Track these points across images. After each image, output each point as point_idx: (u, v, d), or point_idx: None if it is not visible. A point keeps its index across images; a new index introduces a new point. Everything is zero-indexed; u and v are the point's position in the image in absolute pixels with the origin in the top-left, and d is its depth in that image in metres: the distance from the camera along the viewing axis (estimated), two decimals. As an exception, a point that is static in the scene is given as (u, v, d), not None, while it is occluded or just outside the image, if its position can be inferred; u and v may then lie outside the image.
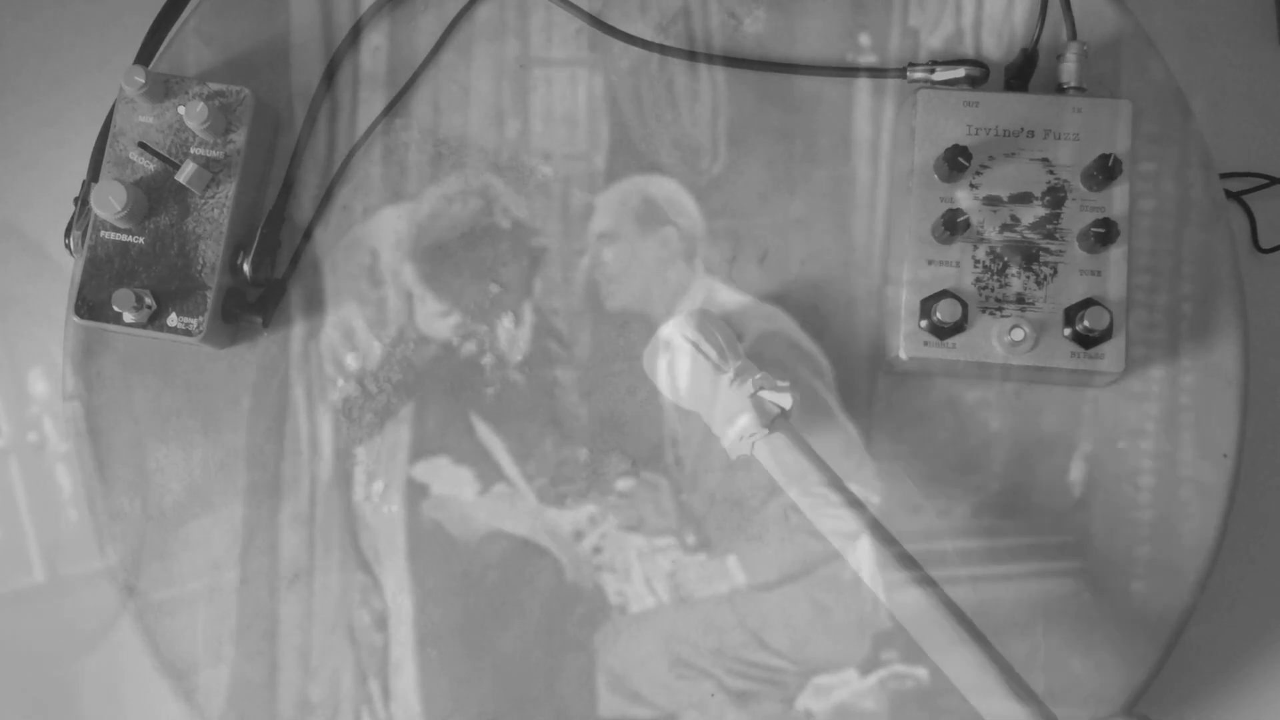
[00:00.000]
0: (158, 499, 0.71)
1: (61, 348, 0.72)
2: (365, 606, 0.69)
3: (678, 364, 0.65)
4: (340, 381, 0.71)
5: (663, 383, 0.67)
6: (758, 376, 0.64)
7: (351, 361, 0.71)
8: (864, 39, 0.73)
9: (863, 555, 0.61)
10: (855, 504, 0.62)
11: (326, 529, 0.70)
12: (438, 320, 0.71)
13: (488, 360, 0.71)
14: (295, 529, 0.70)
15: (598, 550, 0.69)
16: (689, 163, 0.72)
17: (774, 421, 0.63)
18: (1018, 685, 0.57)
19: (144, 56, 0.73)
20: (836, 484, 0.62)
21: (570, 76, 0.74)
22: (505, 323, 0.71)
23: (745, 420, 0.63)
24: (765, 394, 0.63)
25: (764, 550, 0.68)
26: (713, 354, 0.64)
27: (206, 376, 0.71)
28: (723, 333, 0.66)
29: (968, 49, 0.72)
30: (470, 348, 0.71)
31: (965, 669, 0.58)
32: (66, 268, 0.71)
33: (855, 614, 0.68)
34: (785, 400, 0.63)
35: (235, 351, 0.71)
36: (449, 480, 0.70)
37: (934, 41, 0.73)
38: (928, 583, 0.60)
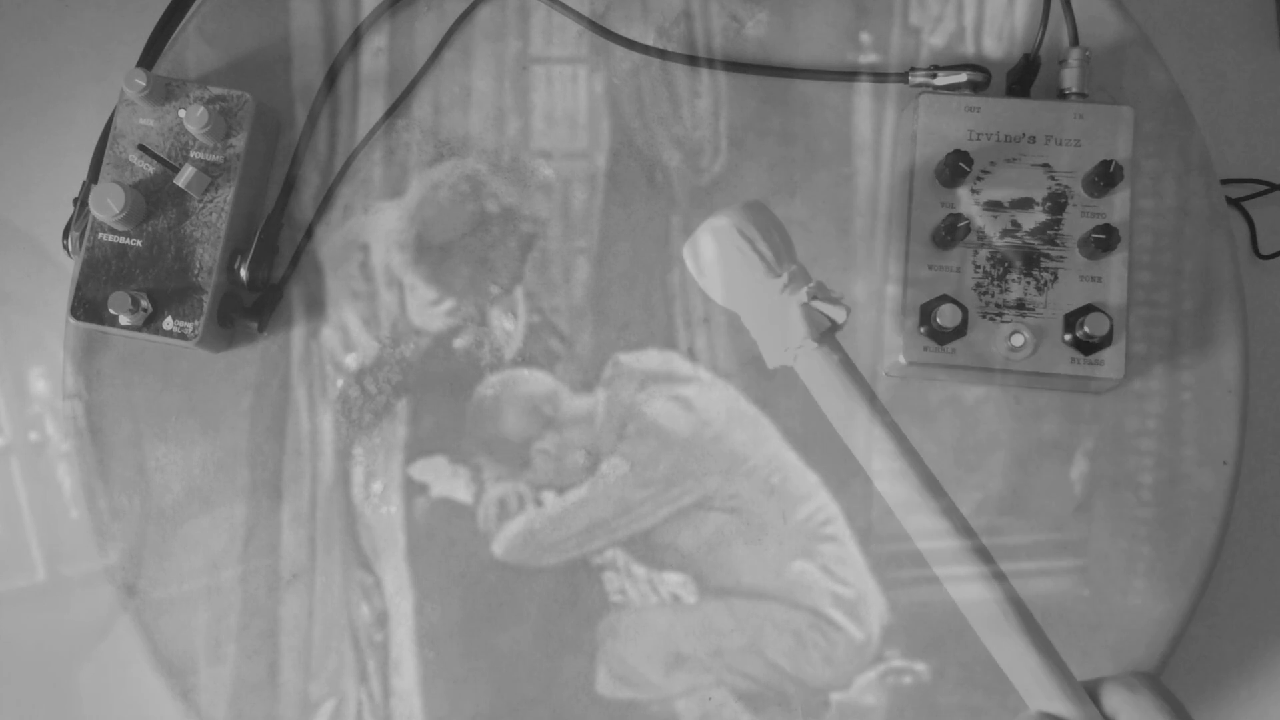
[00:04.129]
0: (158, 497, 0.71)
1: (62, 346, 0.72)
2: (365, 606, 0.69)
3: (727, 259, 0.59)
4: (340, 381, 0.71)
5: (705, 278, 0.61)
6: (812, 285, 0.58)
7: (351, 361, 0.71)
8: (866, 43, 0.73)
9: (892, 484, 0.56)
10: (896, 433, 0.57)
11: (326, 528, 0.70)
12: (430, 309, 0.71)
13: (486, 360, 0.71)
14: (295, 528, 0.70)
15: (599, 551, 0.69)
16: (690, 163, 0.72)
17: (823, 335, 0.58)
18: (1072, 688, 0.52)
19: (147, 59, 0.73)
20: (879, 409, 0.57)
21: (571, 77, 0.74)
22: (505, 323, 0.71)
23: (794, 328, 0.57)
24: (819, 304, 0.58)
25: (763, 553, 0.69)
26: (768, 253, 0.58)
27: (207, 375, 0.71)
28: (780, 232, 0.60)
29: (968, 51, 0.72)
30: (467, 343, 0.71)
31: (1015, 662, 0.53)
32: (67, 267, 0.71)
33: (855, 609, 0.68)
34: (840, 314, 0.58)
35: (236, 351, 0.72)
36: (447, 480, 0.70)
37: (935, 41, 0.73)
38: (967, 533, 0.55)
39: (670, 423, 0.70)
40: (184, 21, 0.74)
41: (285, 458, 0.71)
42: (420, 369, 0.71)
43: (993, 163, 0.67)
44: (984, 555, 0.54)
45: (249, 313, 0.70)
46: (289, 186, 0.72)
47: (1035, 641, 0.53)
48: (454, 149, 0.73)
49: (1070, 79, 0.68)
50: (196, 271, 0.68)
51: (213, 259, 0.68)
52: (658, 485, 0.69)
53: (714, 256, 0.59)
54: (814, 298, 0.58)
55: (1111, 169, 0.64)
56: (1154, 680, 0.52)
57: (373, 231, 0.72)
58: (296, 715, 0.68)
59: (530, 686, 0.68)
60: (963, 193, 0.67)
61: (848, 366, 0.58)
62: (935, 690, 0.67)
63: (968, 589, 0.54)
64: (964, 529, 0.55)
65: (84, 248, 0.68)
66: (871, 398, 0.57)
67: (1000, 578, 0.54)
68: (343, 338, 0.71)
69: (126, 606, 0.70)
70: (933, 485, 0.56)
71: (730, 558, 0.69)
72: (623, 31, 0.73)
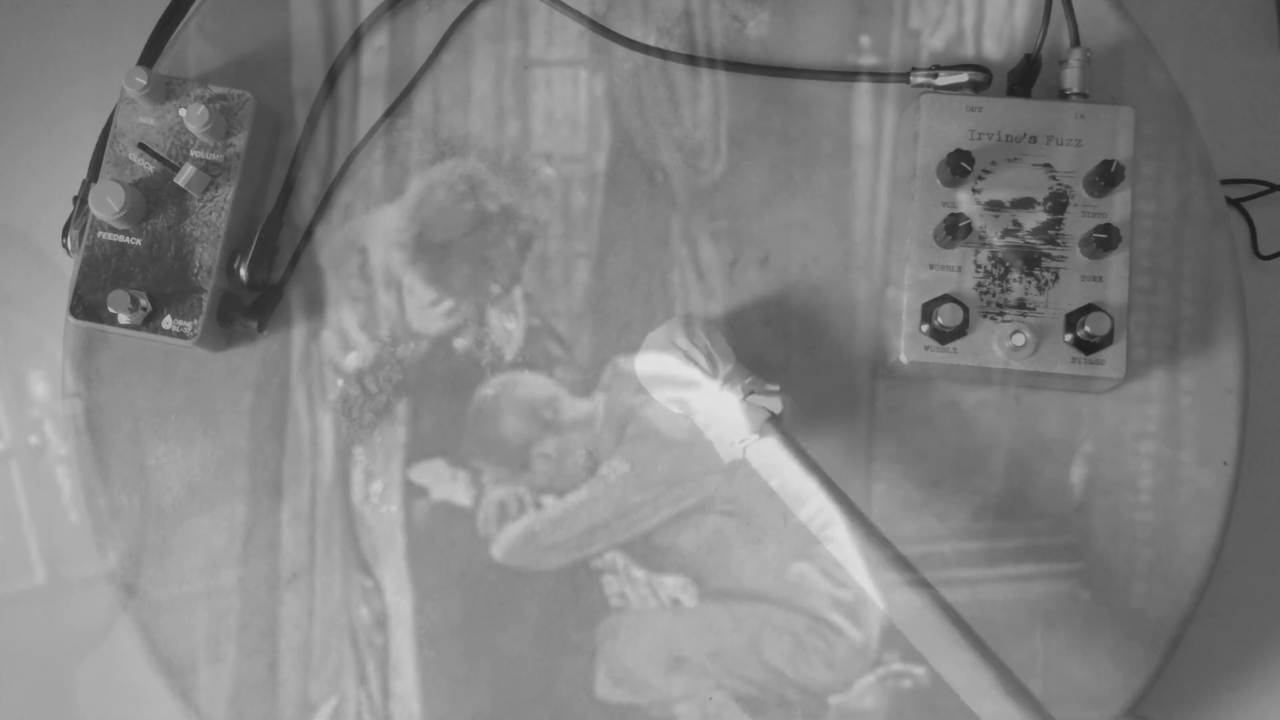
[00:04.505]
0: (157, 497, 0.71)
1: (61, 346, 0.72)
2: (365, 606, 0.69)
3: (668, 370, 0.65)
4: (340, 381, 0.71)
5: (654, 389, 0.67)
6: (747, 381, 0.64)
7: (351, 361, 0.71)
8: (867, 43, 0.73)
9: (853, 557, 0.61)
10: (847, 506, 0.62)
11: (326, 528, 0.70)
12: (429, 310, 0.71)
13: (486, 361, 0.71)
14: (295, 528, 0.70)
15: (599, 554, 0.69)
16: (690, 164, 0.72)
17: (765, 425, 0.63)
18: (1013, 686, 0.57)
19: (148, 57, 0.73)
20: (828, 485, 0.62)
21: (572, 77, 0.74)
22: (505, 324, 0.71)
23: (736, 425, 0.63)
24: (755, 398, 0.63)
25: (763, 555, 0.69)
26: (701, 360, 0.64)
27: (207, 374, 0.71)
28: (711, 338, 0.66)
29: (969, 51, 0.72)
30: (466, 344, 0.71)
31: (960, 671, 0.58)
32: (66, 267, 0.71)
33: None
34: (775, 404, 0.64)
35: (236, 350, 0.71)
36: (446, 483, 0.70)
37: (936, 41, 0.73)
38: (922, 585, 0.60)
39: (669, 425, 0.70)
40: (185, 20, 0.74)
41: (285, 457, 0.71)
42: (420, 370, 0.71)
43: (994, 163, 0.67)
44: (943, 605, 0.60)
45: (248, 312, 0.70)
46: (289, 186, 0.72)
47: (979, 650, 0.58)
48: (454, 149, 0.73)
49: (1071, 79, 0.69)
50: (196, 271, 0.68)
51: (212, 258, 0.68)
52: (657, 487, 0.69)
53: (656, 370, 0.66)
54: (750, 393, 0.64)
55: (1112, 169, 0.64)
56: None
57: (372, 231, 0.72)
58: (296, 715, 0.68)
59: (530, 688, 0.68)
60: (964, 192, 0.67)
61: (792, 450, 0.63)
62: (934, 694, 0.67)
63: (905, 605, 0.60)
64: (918, 579, 0.61)
65: (83, 246, 0.68)
66: (818, 474, 0.63)
67: (936, 594, 0.60)
68: (343, 338, 0.71)
69: (126, 606, 0.70)
70: (883, 543, 0.61)
71: (730, 560, 0.69)
72: (624, 32, 0.73)
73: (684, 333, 0.65)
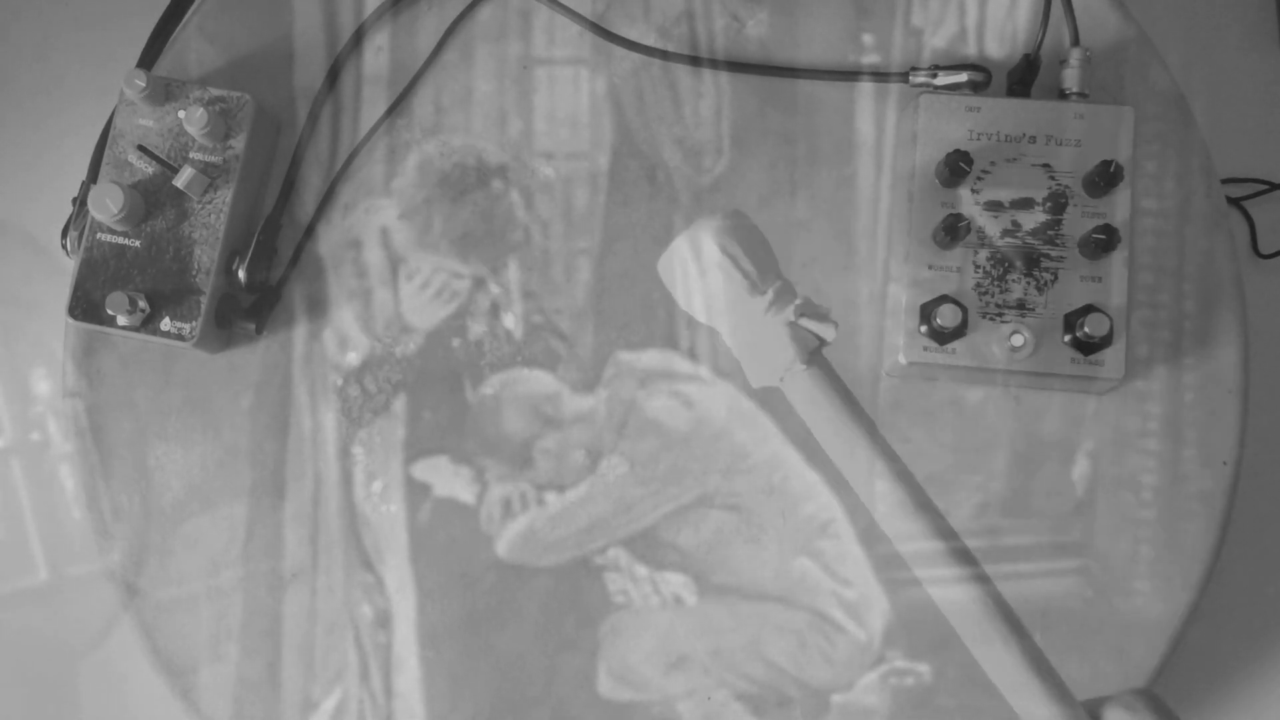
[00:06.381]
0: (158, 496, 0.71)
1: (62, 345, 0.72)
2: (367, 605, 0.69)
3: (706, 275, 0.56)
4: (340, 380, 0.71)
5: (683, 294, 0.58)
6: (799, 302, 0.55)
7: (351, 360, 0.71)
8: (867, 43, 0.73)
9: (889, 510, 0.55)
10: (890, 455, 0.54)
11: (328, 527, 0.70)
12: (429, 308, 0.71)
13: (486, 359, 0.71)
14: (296, 527, 0.70)
15: (600, 550, 0.69)
16: (691, 163, 0.72)
17: (812, 355, 0.55)
18: (1057, 687, 0.52)
19: (147, 58, 0.73)
20: (872, 431, 0.55)
21: (573, 77, 0.74)
22: (506, 322, 0.71)
23: (781, 350, 0.54)
24: (807, 322, 0.54)
25: (764, 552, 0.69)
26: (751, 269, 0.55)
27: (208, 374, 0.71)
28: (763, 245, 0.56)
29: (969, 51, 0.72)
30: (467, 342, 0.71)
31: (1004, 670, 0.53)
32: (68, 266, 0.71)
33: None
34: (829, 332, 0.55)
35: (236, 350, 0.72)
36: (449, 480, 0.70)
37: (936, 41, 0.73)
38: (965, 556, 0.54)
39: (671, 420, 0.70)
40: (184, 20, 0.74)
41: (286, 456, 0.71)
42: (421, 367, 0.71)
43: (993, 163, 0.67)
44: (982, 577, 0.53)
45: (247, 314, 0.70)
46: (288, 188, 0.72)
47: (1025, 648, 0.53)
48: (454, 148, 0.73)
49: (1071, 79, 0.68)
50: (195, 272, 0.68)
51: (211, 260, 0.68)
52: (658, 483, 0.69)
53: (693, 271, 0.56)
54: (801, 315, 0.55)
55: (1112, 169, 0.64)
56: (1154, 699, 0.52)
57: (371, 230, 0.72)
58: (298, 714, 0.69)
59: (531, 686, 0.68)
60: (963, 192, 0.67)
61: (839, 388, 0.55)
62: (937, 692, 0.67)
63: (955, 595, 0.53)
64: (962, 554, 0.53)
65: (82, 248, 0.68)
66: (865, 420, 0.55)
67: (991, 587, 0.53)
68: (342, 336, 0.71)
69: (127, 606, 0.70)
70: (927, 506, 0.54)
71: (731, 557, 0.69)
72: (624, 31, 0.73)
73: (734, 235, 0.55)
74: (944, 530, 0.53)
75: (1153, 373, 0.69)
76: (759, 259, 0.55)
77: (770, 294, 0.55)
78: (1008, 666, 0.53)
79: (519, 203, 0.72)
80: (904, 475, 0.54)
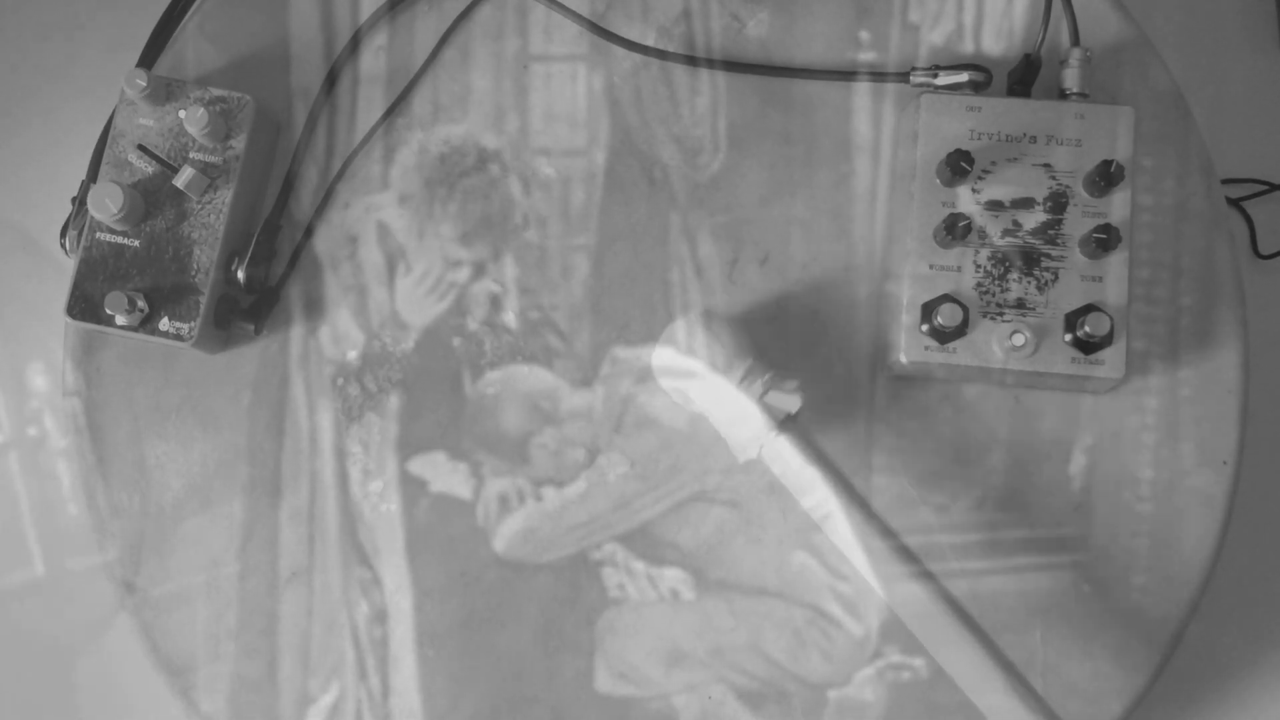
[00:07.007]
0: (157, 495, 0.71)
1: (61, 344, 0.72)
2: (365, 603, 0.69)
3: (684, 365, 0.64)
4: (338, 379, 0.71)
5: (669, 385, 0.67)
6: (766, 378, 0.63)
7: (350, 358, 0.71)
8: (866, 42, 0.73)
9: (863, 559, 0.61)
10: (862, 507, 0.61)
11: (326, 526, 0.70)
12: (428, 306, 0.71)
13: (485, 357, 0.71)
14: (294, 525, 0.70)
15: (598, 546, 0.69)
16: (690, 162, 0.72)
17: (782, 424, 0.62)
18: (1018, 682, 0.56)
19: (148, 57, 0.73)
20: (844, 487, 0.61)
21: (571, 74, 0.74)
22: (504, 319, 0.71)
23: (752, 423, 0.62)
24: (773, 395, 0.62)
25: (763, 548, 0.69)
26: (719, 354, 0.63)
27: (207, 373, 0.71)
28: (731, 332, 0.65)
29: (969, 51, 0.72)
30: (465, 339, 0.71)
31: (965, 666, 0.58)
32: (67, 265, 0.71)
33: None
34: (793, 403, 0.62)
35: (235, 349, 0.72)
36: (446, 475, 0.70)
37: (936, 41, 0.73)
38: (927, 578, 0.60)
39: (669, 416, 0.70)
40: (184, 20, 0.74)
41: (284, 455, 0.71)
42: (419, 365, 0.71)
43: (994, 162, 0.67)
44: (950, 600, 0.59)
45: (245, 315, 0.70)
46: (288, 188, 0.72)
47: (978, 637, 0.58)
48: (453, 146, 0.73)
49: (1071, 79, 0.68)
50: (194, 272, 0.68)
51: (210, 260, 0.68)
52: (656, 478, 0.69)
53: (674, 366, 0.65)
54: (767, 390, 0.62)
55: (1112, 169, 0.64)
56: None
57: (370, 229, 0.72)
58: (296, 713, 0.68)
59: (530, 684, 0.68)
60: (964, 192, 0.67)
61: (808, 451, 0.62)
62: (933, 686, 0.67)
63: (913, 604, 0.59)
64: (939, 593, 0.59)
65: (81, 247, 0.68)
66: (834, 475, 0.61)
67: (947, 595, 0.59)
68: (341, 335, 0.71)
69: (125, 604, 0.70)
70: (905, 553, 0.60)
71: (729, 552, 0.69)
72: (623, 31, 0.73)
73: (702, 326, 0.64)
74: (905, 553, 0.60)
75: (1152, 372, 0.69)
76: (727, 343, 0.64)
77: (740, 373, 0.63)
78: (971, 666, 0.58)
79: (518, 187, 0.72)
80: (873, 522, 0.61)
